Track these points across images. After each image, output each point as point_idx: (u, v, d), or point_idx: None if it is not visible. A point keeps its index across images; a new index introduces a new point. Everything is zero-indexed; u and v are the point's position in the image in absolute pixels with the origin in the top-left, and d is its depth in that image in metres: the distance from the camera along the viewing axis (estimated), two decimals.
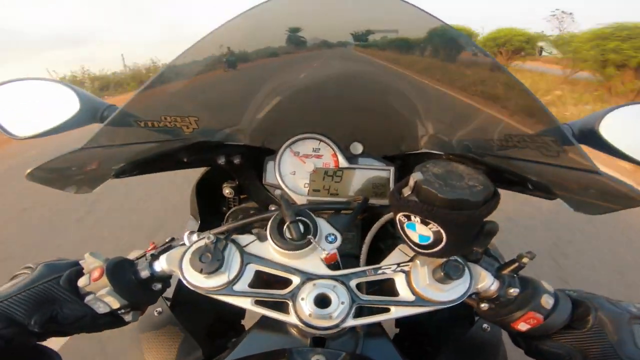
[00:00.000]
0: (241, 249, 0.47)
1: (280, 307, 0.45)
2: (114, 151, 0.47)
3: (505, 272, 0.45)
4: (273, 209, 0.67)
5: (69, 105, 0.60)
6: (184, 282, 0.44)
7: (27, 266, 0.47)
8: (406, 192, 0.40)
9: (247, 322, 0.77)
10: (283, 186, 0.62)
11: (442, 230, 0.37)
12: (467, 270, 0.43)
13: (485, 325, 0.58)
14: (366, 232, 0.56)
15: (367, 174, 0.63)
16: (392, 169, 0.62)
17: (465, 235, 0.39)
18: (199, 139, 0.52)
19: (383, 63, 0.52)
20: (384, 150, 0.64)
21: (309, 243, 0.45)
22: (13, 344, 0.41)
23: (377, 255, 0.56)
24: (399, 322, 0.72)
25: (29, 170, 0.42)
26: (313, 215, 0.48)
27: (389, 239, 0.65)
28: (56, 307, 0.43)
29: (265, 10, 0.44)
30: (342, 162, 0.62)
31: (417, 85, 0.53)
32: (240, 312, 0.76)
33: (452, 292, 0.43)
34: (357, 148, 0.63)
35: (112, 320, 0.47)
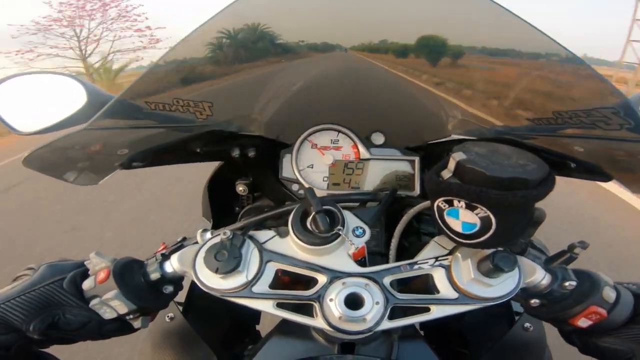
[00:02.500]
0: (260, 245, 0.43)
1: (304, 309, 0.40)
2: (121, 136, 0.44)
3: (556, 264, 0.41)
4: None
5: (75, 98, 0.58)
6: (198, 283, 0.40)
7: (29, 267, 0.43)
8: (446, 174, 0.36)
9: (262, 328, 0.72)
10: (301, 180, 0.58)
11: (491, 216, 0.33)
12: (517, 261, 0.39)
13: (527, 325, 0.53)
14: (390, 228, 0.52)
15: (389, 165, 0.59)
16: (417, 159, 0.58)
17: (517, 222, 0.35)
18: (213, 128, 0.48)
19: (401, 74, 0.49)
20: (407, 140, 0.60)
21: (337, 236, 0.41)
22: (12, 351, 0.37)
23: (401, 252, 0.52)
24: (425, 322, 0.67)
25: (25, 155, 0.39)
26: (339, 207, 0.44)
27: (413, 235, 0.61)
28: (58, 312, 0.39)
29: None
30: (363, 153, 0.58)
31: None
32: (256, 316, 0.71)
33: (500, 288, 0.38)
34: (379, 138, 0.59)
35: (120, 326, 0.43)
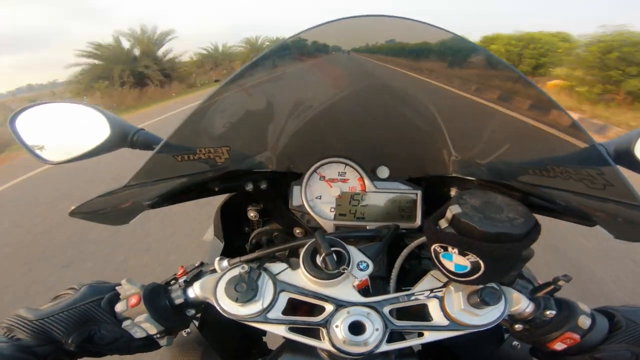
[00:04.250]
0: (274, 277, 0.48)
1: (312, 332, 0.45)
2: (151, 187, 0.48)
3: (541, 294, 0.46)
4: (298, 231, 0.68)
5: (99, 129, 0.61)
6: (219, 309, 0.45)
7: (71, 287, 0.49)
8: (443, 223, 0.41)
9: (268, 339, 0.77)
10: (309, 210, 0.62)
11: (480, 261, 0.38)
12: (502, 295, 0.44)
13: (515, 343, 0.58)
14: (393, 254, 0.56)
15: (393, 197, 0.63)
16: (419, 192, 0.62)
17: (504, 265, 0.40)
18: (230, 168, 0.53)
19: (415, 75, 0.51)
20: (410, 171, 0.64)
21: (343, 273, 0.46)
22: None
23: (402, 275, 0.57)
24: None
25: (72, 209, 0.45)
26: (345, 245, 0.49)
27: (414, 259, 0.65)
28: (94, 327, 0.44)
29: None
30: (369, 186, 0.62)
31: (446, 104, 0.52)
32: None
33: (486, 317, 0.43)
34: (384, 172, 0.63)
35: (147, 343, 0.48)
